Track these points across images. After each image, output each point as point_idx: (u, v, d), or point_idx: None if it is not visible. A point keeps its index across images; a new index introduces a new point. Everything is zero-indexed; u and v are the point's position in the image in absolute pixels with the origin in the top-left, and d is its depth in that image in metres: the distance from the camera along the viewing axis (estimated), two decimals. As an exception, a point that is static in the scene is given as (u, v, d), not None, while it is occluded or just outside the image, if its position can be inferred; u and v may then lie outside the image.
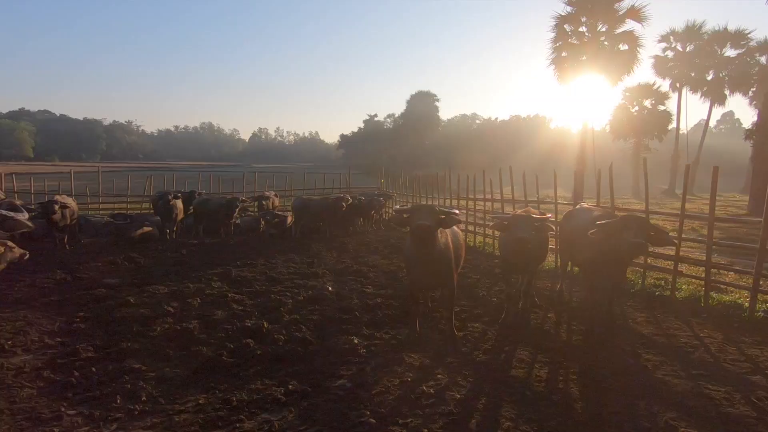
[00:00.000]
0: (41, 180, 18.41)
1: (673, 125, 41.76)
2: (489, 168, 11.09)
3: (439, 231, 4.30)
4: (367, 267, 8.35)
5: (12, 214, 4.28)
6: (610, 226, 4.42)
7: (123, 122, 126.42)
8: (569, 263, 6.34)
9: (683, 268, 6.99)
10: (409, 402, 3.47)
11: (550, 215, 5.19)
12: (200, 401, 3.53)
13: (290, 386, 3.73)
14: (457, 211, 4.36)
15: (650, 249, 6.37)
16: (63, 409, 3.39)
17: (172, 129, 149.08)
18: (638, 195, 37.01)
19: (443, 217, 4.16)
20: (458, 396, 3.56)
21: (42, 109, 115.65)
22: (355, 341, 4.65)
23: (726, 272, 6.84)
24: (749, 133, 20.99)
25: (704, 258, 6.09)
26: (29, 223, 4.67)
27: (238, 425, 3.18)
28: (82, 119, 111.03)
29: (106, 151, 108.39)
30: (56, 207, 9.92)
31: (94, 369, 4.03)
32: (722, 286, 6.49)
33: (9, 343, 4.59)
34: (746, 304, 5.61)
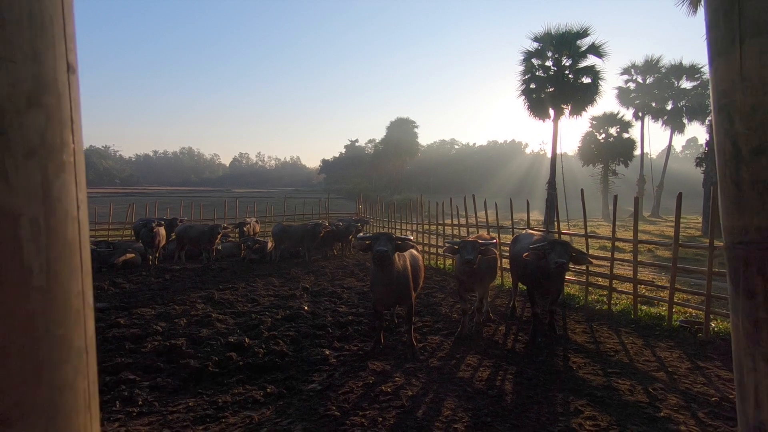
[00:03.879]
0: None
1: (638, 151, 44.40)
2: (468, 192, 12.04)
3: (397, 255, 5.06)
4: (342, 288, 9.01)
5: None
6: (540, 249, 5.27)
7: (100, 147, 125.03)
8: (519, 282, 7.16)
9: (620, 285, 7.91)
10: (369, 399, 4.13)
11: (494, 239, 6.02)
12: (190, 404, 4.11)
13: (268, 390, 4.35)
14: (411, 238, 5.15)
15: (590, 268, 7.31)
16: (70, 413, 3.92)
17: (151, 154, 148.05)
18: (607, 217, 38.91)
19: (399, 242, 4.94)
20: (411, 393, 4.24)
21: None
22: (327, 353, 5.30)
23: (660, 288, 7.79)
24: (699, 160, 22.79)
25: (654, 277, 7.02)
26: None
27: (223, 420, 3.78)
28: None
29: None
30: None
31: (93, 380, 4.55)
32: (655, 300, 7.41)
33: (11, 360, 5.06)
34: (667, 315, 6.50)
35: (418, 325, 6.50)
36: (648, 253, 15.29)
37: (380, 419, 3.74)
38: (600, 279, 8.03)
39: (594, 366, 4.97)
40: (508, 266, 8.17)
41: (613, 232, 7.21)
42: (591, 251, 10.40)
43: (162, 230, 12.60)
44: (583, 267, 7.38)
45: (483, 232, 9.20)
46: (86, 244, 0.62)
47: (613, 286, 7.28)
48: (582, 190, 7.55)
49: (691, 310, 6.74)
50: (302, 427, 3.63)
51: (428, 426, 3.63)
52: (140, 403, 4.12)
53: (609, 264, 7.49)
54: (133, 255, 12.07)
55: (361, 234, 5.88)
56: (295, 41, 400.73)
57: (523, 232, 7.12)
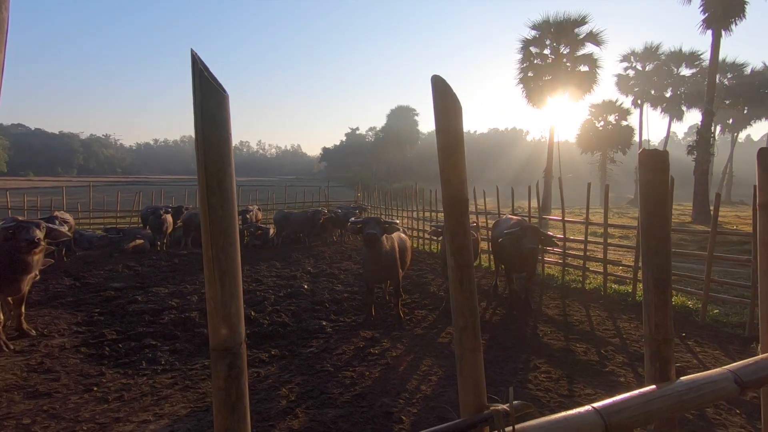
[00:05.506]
0: (34, 195, 19.18)
1: (636, 139, 44.64)
2: (470, 179, 12.59)
3: (385, 237, 5.71)
4: (340, 270, 9.69)
5: (54, 226, 5.50)
6: (513, 234, 5.91)
7: (101, 136, 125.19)
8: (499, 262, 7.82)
9: (593, 265, 8.56)
10: (359, 358, 4.81)
11: (475, 223, 6.65)
12: (206, 363, 4.79)
13: (272, 352, 5.04)
14: (398, 222, 5.80)
15: (566, 251, 7.94)
16: (104, 370, 4.61)
17: (151, 143, 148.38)
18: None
19: (387, 226, 5.58)
20: (395, 354, 4.92)
21: (16, 122, 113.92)
22: (324, 323, 5.98)
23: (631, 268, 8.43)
24: (691, 148, 23.25)
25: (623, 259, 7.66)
26: (69, 233, 5.86)
27: (235, 375, 4.47)
28: (57, 133, 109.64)
29: (83, 166, 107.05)
30: (56, 222, 10.98)
31: (120, 345, 5.25)
32: (627, 279, 8.06)
33: (46, 330, 5.76)
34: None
35: (407, 301, 7.17)
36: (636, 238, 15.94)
37: (367, 373, 4.42)
38: (575, 260, 8.67)
39: (558, 334, 5.64)
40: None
41: (587, 217, 7.84)
42: (579, 236, 10.99)
43: (169, 217, 13.24)
44: (560, 249, 8.03)
45: (473, 219, 9.82)
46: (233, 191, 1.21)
47: (587, 266, 7.93)
48: (560, 178, 8.16)
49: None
50: (301, 379, 4.32)
51: (407, 377, 4.32)
52: (163, 362, 4.80)
53: (583, 246, 8.13)
54: (142, 241, 12.74)
55: (352, 219, 6.52)
56: (295, 29, 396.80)
57: (503, 217, 7.76)
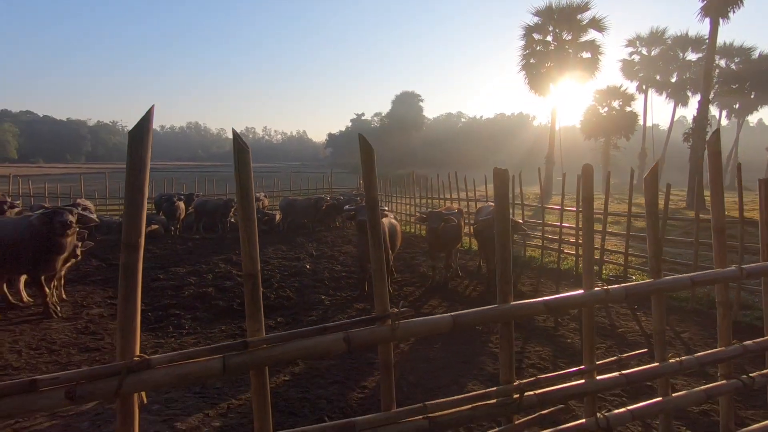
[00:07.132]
0: (45, 182, 20.21)
1: (640, 125, 44.73)
2: (476, 165, 13.41)
3: (375, 221, 6.54)
4: (340, 253, 10.57)
5: (84, 212, 6.41)
6: (485, 221, 6.72)
7: (108, 122, 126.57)
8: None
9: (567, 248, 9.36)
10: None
11: (457, 210, 7.46)
12: (223, 328, 5.71)
13: (278, 319, 5.94)
14: (386, 208, 6.64)
15: (545, 235, 8.73)
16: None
17: (158, 129, 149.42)
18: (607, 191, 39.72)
19: (376, 212, 6.41)
20: (381, 321, 5.80)
21: (24, 110, 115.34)
22: (323, 297, 6.87)
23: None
24: (687, 135, 23.66)
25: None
26: (96, 219, 6.78)
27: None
28: (65, 120, 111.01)
29: (91, 152, 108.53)
30: (79, 209, 11.92)
31: (149, 314, 6.17)
32: (597, 260, 8.85)
33: (84, 302, 6.71)
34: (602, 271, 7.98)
35: (398, 279, 8.03)
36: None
37: (357, 335, 5.30)
38: (554, 243, 9.46)
39: (526, 306, 6.48)
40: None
41: (562, 203, 8.62)
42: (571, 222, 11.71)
43: (182, 204, 14.18)
44: (538, 233, 8.82)
45: (452, 205, 10.61)
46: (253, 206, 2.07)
47: (562, 248, 8.74)
48: (539, 169, 8.90)
49: (623, 267, 8.19)
50: (302, 340, 5.21)
51: (389, 339, 5.19)
52: (186, 328, 5.72)
53: (559, 231, 8.92)
54: (156, 226, 13.67)
55: (347, 206, 7.35)
56: (300, 15, 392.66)
57: (486, 204, 8.57)
